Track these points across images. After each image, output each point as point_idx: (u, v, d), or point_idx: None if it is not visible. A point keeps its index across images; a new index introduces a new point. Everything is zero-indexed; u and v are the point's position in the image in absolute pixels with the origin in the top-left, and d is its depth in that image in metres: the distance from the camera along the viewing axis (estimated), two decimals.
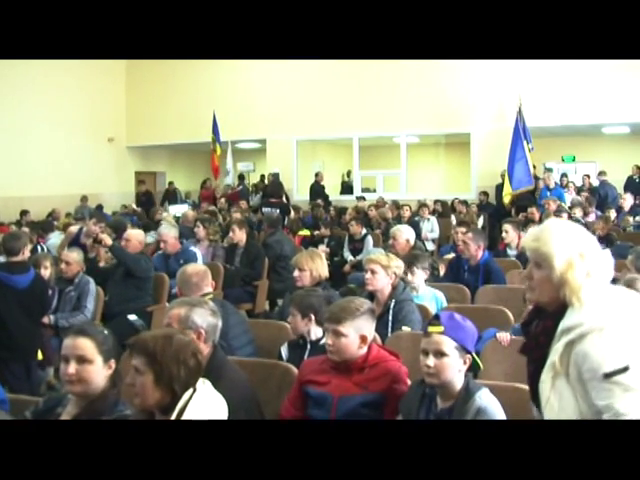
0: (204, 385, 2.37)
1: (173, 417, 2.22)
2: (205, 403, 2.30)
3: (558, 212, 9.58)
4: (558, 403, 2.05)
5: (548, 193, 11.91)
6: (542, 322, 2.21)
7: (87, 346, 2.60)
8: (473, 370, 2.71)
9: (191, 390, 2.30)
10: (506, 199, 12.43)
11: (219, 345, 3.14)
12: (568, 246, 2.11)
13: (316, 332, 3.64)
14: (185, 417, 2.21)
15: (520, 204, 12.26)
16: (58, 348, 5.23)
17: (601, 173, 13.72)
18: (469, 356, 2.56)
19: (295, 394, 3.06)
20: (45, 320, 5.39)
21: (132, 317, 5.89)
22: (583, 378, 1.99)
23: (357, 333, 2.95)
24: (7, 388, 4.14)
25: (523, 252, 7.24)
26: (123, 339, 5.98)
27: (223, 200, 14.72)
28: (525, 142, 12.54)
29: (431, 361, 2.51)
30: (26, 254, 5.13)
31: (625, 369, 1.93)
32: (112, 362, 2.65)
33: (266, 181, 16.39)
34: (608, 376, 1.93)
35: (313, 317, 3.62)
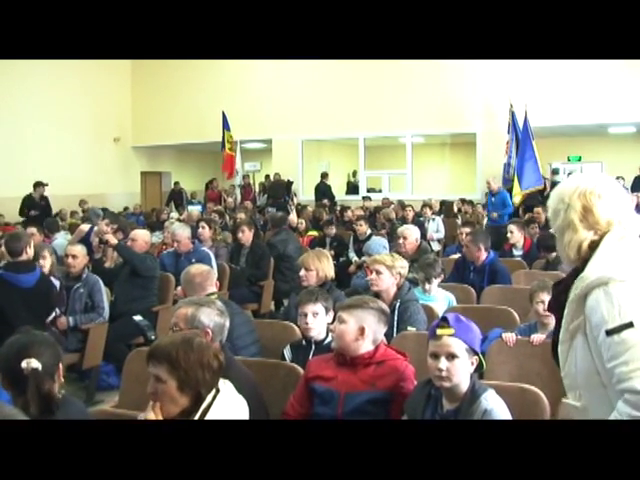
0: (225, 385, 2.36)
1: (197, 417, 2.21)
2: (229, 403, 2.29)
3: None
4: (574, 362, 1.99)
5: (492, 198, 11.56)
6: (567, 280, 2.12)
7: None
8: (478, 370, 2.70)
9: (214, 391, 2.29)
10: (516, 199, 12.40)
11: (225, 345, 3.14)
12: (556, 197, 2.08)
13: (322, 332, 3.65)
14: (209, 417, 2.20)
15: (527, 204, 12.24)
16: (65, 348, 5.26)
17: (618, 178, 13.69)
18: (476, 357, 2.55)
19: (301, 392, 3.06)
20: (63, 321, 5.41)
21: (137, 318, 5.90)
22: (594, 335, 1.92)
23: (357, 324, 2.94)
24: None
25: (529, 252, 7.27)
26: (129, 339, 6.03)
27: (231, 200, 14.75)
28: (534, 142, 12.51)
29: (443, 364, 2.47)
30: (30, 253, 5.15)
31: (630, 325, 1.83)
32: None
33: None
34: (610, 333, 1.85)
35: None
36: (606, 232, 2.02)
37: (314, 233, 10.36)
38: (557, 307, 2.11)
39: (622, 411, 1.85)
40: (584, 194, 2.04)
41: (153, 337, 5.73)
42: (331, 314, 3.62)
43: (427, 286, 5.01)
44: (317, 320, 3.63)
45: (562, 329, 2.03)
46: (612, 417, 1.88)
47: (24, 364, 2.38)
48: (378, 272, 4.36)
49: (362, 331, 2.95)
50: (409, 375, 2.91)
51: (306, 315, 3.63)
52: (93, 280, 5.75)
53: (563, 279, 2.21)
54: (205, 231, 7.87)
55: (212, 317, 3.06)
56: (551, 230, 2.15)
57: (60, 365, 2.55)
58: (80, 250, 5.85)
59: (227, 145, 15.58)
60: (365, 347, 2.96)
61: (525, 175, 12.32)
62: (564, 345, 2.03)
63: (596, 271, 1.94)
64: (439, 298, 5.00)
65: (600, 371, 1.93)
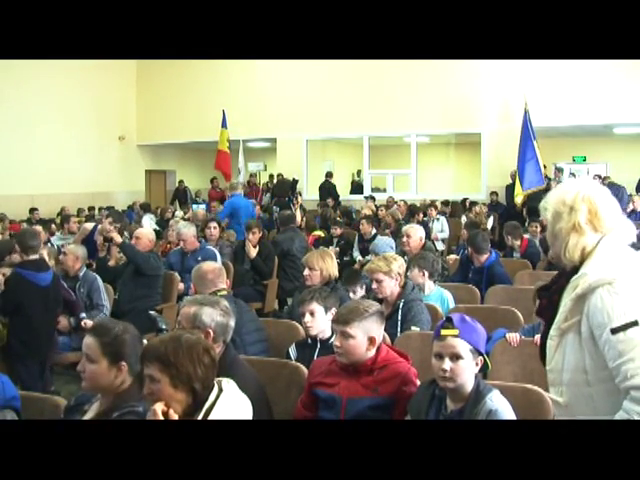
0: (229, 384, 2.36)
1: (200, 417, 2.20)
2: (232, 403, 2.29)
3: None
4: (562, 359, 2.03)
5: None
6: (558, 282, 2.18)
7: (92, 346, 2.58)
8: (482, 370, 2.70)
9: (217, 390, 2.29)
10: (518, 199, 12.38)
11: (231, 342, 3.14)
12: (557, 199, 2.12)
13: (326, 331, 3.65)
14: (212, 417, 2.19)
15: (531, 205, 12.21)
16: (69, 347, 5.28)
17: (605, 178, 13.71)
18: (481, 358, 2.54)
19: (306, 396, 3.06)
20: (65, 323, 5.40)
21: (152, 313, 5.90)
22: (594, 335, 1.95)
23: (365, 335, 2.92)
24: (19, 385, 4.17)
25: (525, 253, 7.28)
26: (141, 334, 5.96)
27: None
28: (535, 142, 12.49)
29: (447, 365, 2.47)
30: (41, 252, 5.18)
31: (635, 323, 1.88)
32: (122, 364, 2.58)
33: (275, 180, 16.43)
34: (616, 331, 1.89)
35: None
36: (603, 236, 2.07)
37: (319, 233, 10.23)
38: (550, 308, 2.16)
39: (629, 409, 1.87)
40: (588, 198, 2.09)
41: (164, 326, 5.69)
42: (332, 313, 3.61)
43: (409, 272, 4.90)
44: (316, 319, 3.63)
45: (554, 325, 2.07)
46: (618, 417, 1.89)
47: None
48: (378, 280, 4.34)
49: (372, 341, 2.93)
50: (411, 378, 2.90)
51: (304, 314, 3.65)
52: (91, 278, 5.75)
53: (553, 281, 2.26)
54: (217, 231, 7.98)
55: (214, 317, 3.05)
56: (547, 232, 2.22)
57: None
58: (81, 252, 5.84)
59: (223, 144, 15.49)
60: (370, 352, 2.95)
61: (526, 175, 12.31)
62: (553, 341, 2.08)
63: (599, 271, 1.98)
64: (433, 297, 4.96)
65: (588, 370, 1.97)
